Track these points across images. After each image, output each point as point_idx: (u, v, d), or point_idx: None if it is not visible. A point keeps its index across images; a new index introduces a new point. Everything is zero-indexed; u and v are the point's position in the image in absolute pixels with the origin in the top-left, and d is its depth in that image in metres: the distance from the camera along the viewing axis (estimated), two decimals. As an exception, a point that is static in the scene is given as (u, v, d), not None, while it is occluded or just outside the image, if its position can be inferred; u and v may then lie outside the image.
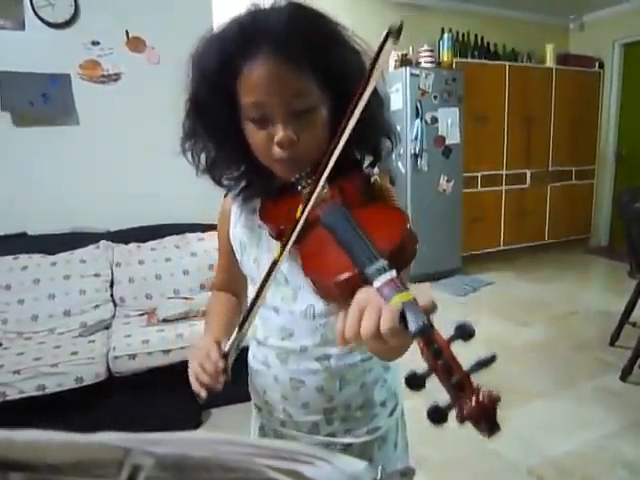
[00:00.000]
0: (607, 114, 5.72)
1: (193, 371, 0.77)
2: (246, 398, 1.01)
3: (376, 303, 0.47)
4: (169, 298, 2.63)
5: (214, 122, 0.74)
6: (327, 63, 0.69)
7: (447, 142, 4.51)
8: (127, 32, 2.99)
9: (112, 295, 2.67)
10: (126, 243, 2.87)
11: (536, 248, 5.54)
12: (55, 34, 2.84)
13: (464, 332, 0.43)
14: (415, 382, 0.42)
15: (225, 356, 0.76)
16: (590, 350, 3.04)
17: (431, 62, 4.57)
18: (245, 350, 1.00)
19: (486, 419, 0.39)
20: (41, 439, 0.24)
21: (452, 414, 0.41)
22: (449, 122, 4.47)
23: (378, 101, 0.74)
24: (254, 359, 0.94)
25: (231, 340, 0.75)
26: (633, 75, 5.47)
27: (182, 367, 2.56)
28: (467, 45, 5.07)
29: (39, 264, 2.59)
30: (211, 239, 2.95)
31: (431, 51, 4.61)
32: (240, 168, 0.80)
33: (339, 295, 0.55)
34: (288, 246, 0.64)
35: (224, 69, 0.69)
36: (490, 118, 5.02)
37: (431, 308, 0.46)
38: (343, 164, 0.65)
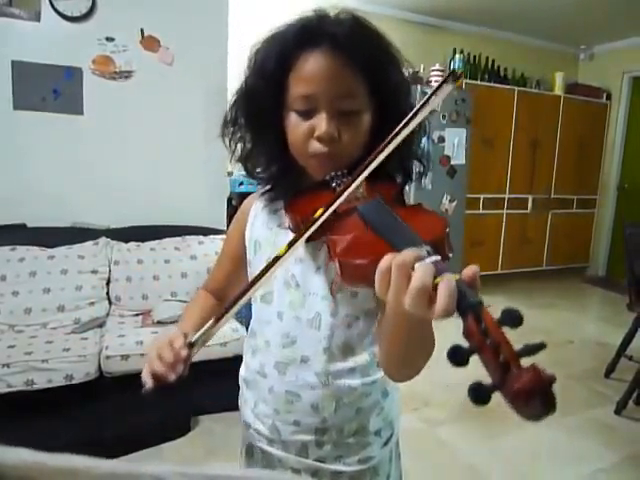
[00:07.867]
0: (612, 146, 5.75)
1: (148, 357, 0.74)
2: (236, 407, 0.98)
3: (430, 266, 0.44)
4: (165, 300, 2.59)
5: (258, 114, 0.76)
6: (379, 74, 0.72)
7: (452, 162, 4.51)
8: (142, 30, 2.98)
9: (108, 293, 2.64)
10: (126, 242, 2.83)
11: (533, 274, 5.54)
12: (70, 27, 2.82)
13: (512, 318, 0.40)
14: (458, 357, 0.39)
15: (190, 345, 0.72)
16: (585, 381, 3.02)
17: (441, 82, 4.59)
18: (239, 361, 0.97)
19: (542, 392, 0.35)
20: (78, 466, 0.22)
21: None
22: (456, 142, 4.48)
23: (421, 127, 0.78)
24: (247, 370, 0.90)
25: (201, 331, 0.71)
26: (640, 109, 5.51)
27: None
28: (478, 67, 5.11)
29: (37, 257, 2.55)
30: (211, 243, 2.93)
31: (442, 70, 4.64)
32: (272, 165, 0.80)
33: (372, 273, 0.51)
34: (299, 242, 0.61)
35: (281, 61, 0.71)
36: (496, 141, 5.04)
37: (478, 285, 0.45)
38: (379, 175, 0.66)
